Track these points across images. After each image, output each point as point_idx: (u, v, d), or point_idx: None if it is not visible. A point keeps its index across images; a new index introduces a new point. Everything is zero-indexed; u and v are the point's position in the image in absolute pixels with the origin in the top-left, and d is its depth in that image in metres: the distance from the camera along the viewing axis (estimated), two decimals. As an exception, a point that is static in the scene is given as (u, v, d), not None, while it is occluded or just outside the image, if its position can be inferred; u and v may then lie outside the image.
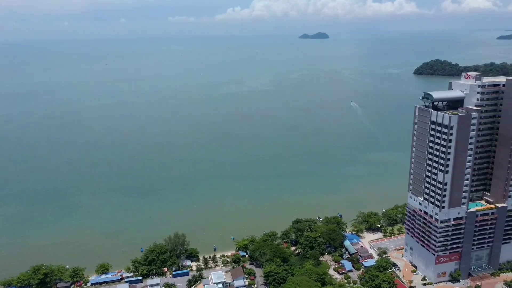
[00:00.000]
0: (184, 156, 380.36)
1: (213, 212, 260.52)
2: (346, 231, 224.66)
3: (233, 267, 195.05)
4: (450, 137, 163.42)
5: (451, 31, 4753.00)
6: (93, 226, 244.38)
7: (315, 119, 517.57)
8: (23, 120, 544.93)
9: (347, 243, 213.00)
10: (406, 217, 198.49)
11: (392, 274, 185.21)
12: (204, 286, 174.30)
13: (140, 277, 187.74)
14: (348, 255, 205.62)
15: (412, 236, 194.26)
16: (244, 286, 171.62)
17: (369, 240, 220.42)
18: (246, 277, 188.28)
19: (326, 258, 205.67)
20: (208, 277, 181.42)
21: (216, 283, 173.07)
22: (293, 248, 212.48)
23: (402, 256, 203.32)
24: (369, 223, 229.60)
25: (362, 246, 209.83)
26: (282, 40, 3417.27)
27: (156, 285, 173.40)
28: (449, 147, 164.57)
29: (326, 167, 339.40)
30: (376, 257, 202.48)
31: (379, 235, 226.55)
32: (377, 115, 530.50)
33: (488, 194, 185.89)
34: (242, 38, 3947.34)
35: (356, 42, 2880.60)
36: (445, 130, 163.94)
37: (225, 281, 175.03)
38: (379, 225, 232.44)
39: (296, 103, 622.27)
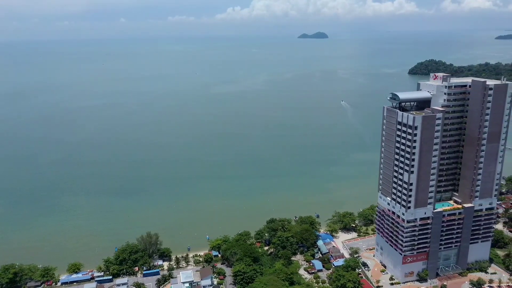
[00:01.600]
0: (171, 156, 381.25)
1: (192, 212, 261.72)
2: (320, 231, 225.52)
3: (204, 267, 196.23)
4: (414, 138, 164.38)
5: (451, 31, 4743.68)
6: (71, 226, 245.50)
7: (305, 119, 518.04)
8: (15, 119, 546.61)
9: (320, 243, 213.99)
10: (376, 217, 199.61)
11: (360, 274, 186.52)
12: (171, 285, 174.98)
13: (111, 277, 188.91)
14: (320, 255, 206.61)
15: (382, 236, 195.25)
16: (211, 285, 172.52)
17: (343, 240, 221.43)
18: (215, 276, 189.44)
19: (298, 257, 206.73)
20: (177, 277, 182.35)
21: (184, 283, 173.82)
22: (266, 248, 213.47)
23: (374, 256, 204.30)
24: (344, 223, 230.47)
25: (334, 246, 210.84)
26: (281, 40, 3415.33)
27: (123, 284, 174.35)
28: (414, 147, 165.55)
29: (310, 167, 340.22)
30: (348, 257, 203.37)
31: (353, 235, 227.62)
32: (367, 114, 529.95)
33: (457, 194, 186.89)
34: (242, 38, 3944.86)
35: (354, 42, 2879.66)
36: (410, 131, 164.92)
37: (193, 281, 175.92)
38: (354, 225, 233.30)
39: (288, 103, 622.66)
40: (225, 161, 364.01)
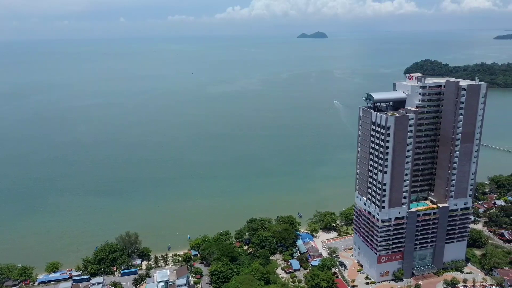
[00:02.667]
0: (159, 156, 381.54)
1: (175, 211, 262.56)
2: (300, 231, 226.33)
3: (181, 266, 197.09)
4: (387, 138, 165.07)
5: (451, 31, 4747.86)
6: (52, 225, 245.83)
7: (296, 119, 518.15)
8: (7, 119, 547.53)
9: (299, 242, 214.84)
10: (354, 216, 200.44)
11: (336, 273, 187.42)
12: (147, 285, 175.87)
13: (88, 276, 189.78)
14: (299, 254, 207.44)
15: (359, 236, 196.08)
16: (185, 284, 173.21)
17: (322, 240, 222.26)
18: (192, 275, 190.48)
19: (277, 257, 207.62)
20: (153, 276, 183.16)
21: (159, 282, 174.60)
22: (246, 248, 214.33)
23: (352, 256, 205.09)
24: (324, 223, 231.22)
25: (312, 246, 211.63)
26: (280, 39, 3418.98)
27: (98, 283, 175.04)
28: (387, 147, 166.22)
29: (297, 167, 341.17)
30: (326, 256, 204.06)
31: (334, 234, 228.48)
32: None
33: (433, 194, 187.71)
34: (241, 38, 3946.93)
35: (353, 41, 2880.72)
36: (383, 131, 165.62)
37: (168, 280, 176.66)
38: (334, 225, 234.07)
39: (281, 103, 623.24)
40: (213, 161, 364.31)
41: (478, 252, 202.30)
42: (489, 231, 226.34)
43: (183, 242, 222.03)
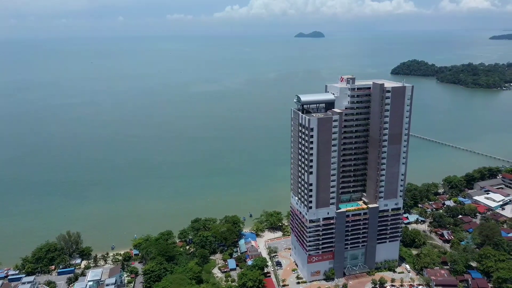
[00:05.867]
0: (123, 156, 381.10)
1: (125, 211, 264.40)
2: (243, 230, 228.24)
3: (123, 265, 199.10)
4: (311, 139, 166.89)
5: (449, 31, 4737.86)
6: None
7: (270, 120, 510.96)
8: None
9: (241, 242, 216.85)
10: (290, 216, 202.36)
11: (268, 273, 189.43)
12: (76, 283, 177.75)
13: (25, 275, 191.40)
14: (239, 254, 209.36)
15: (294, 235, 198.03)
16: (114, 283, 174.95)
17: (266, 239, 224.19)
18: (128, 275, 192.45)
19: (217, 256, 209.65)
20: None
21: (90, 281, 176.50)
22: (188, 247, 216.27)
23: (290, 255, 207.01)
24: (270, 222, 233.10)
25: (252, 245, 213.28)
26: (277, 38, 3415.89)
27: (29, 282, 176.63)
28: (311, 148, 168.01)
29: (259, 167, 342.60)
30: (266, 256, 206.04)
31: (279, 234, 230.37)
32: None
33: (365, 194, 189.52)
34: (238, 37, 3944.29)
35: (350, 41, 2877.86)
36: (307, 132, 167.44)
37: (100, 279, 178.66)
38: (280, 224, 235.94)
39: (259, 104, 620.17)
40: (177, 161, 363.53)
41: (415, 252, 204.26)
42: (433, 231, 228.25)
43: (128, 242, 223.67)
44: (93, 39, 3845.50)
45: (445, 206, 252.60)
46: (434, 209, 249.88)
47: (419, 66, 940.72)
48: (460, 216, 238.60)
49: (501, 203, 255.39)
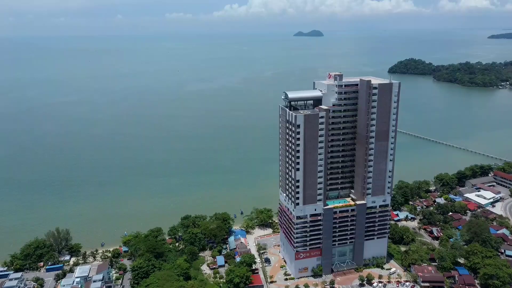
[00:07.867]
0: (115, 155, 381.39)
1: (116, 208, 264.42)
2: (233, 227, 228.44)
3: (111, 262, 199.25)
4: (298, 136, 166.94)
5: (448, 30, 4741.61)
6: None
7: (264, 118, 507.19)
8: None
9: (231, 239, 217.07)
10: (278, 213, 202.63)
11: (256, 269, 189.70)
12: (63, 280, 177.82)
13: (13, 271, 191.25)
14: (228, 251, 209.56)
15: (283, 232, 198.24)
16: (101, 280, 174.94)
17: (256, 236, 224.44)
18: (116, 271, 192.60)
19: (207, 253, 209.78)
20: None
21: (77, 277, 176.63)
22: (177, 244, 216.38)
23: (279, 252, 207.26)
24: (260, 219, 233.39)
25: (242, 242, 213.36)
26: (276, 37, 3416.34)
27: (16, 279, 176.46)
28: (298, 145, 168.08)
29: (250, 164, 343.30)
30: (255, 253, 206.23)
31: (269, 231, 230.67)
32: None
33: (353, 191, 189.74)
34: (237, 36, 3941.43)
35: (348, 40, 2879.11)
36: (294, 129, 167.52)
37: (87, 275, 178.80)
38: (270, 221, 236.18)
39: (253, 102, 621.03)
40: (169, 159, 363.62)
41: (404, 249, 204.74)
42: (423, 228, 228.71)
43: (118, 239, 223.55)
44: (91, 38, 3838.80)
45: (435, 203, 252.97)
46: (424, 206, 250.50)
47: (416, 64, 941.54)
48: (450, 213, 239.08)
49: (491, 200, 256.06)
